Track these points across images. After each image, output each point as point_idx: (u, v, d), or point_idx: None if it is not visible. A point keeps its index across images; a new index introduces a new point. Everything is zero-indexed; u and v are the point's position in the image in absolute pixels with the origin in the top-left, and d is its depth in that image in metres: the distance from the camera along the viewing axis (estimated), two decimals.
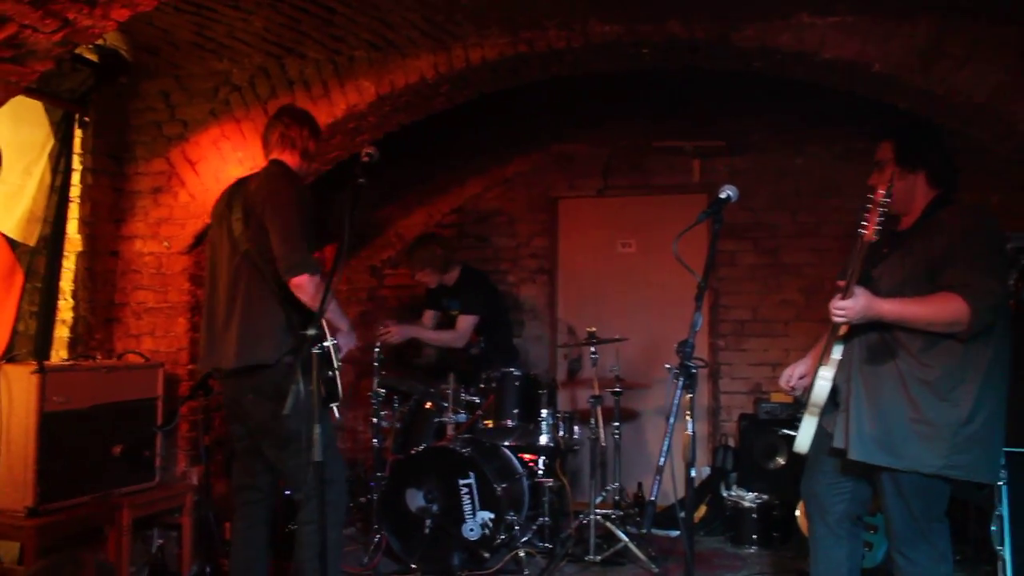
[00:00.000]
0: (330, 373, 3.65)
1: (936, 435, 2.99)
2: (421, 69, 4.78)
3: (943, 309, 2.95)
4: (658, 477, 2.66)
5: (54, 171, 4.84)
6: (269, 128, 4.01)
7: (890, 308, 3.00)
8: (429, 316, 6.21)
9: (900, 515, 3.10)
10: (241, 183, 3.95)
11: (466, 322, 5.83)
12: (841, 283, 3.04)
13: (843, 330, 3.13)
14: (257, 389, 3.64)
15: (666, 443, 2.66)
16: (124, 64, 4.99)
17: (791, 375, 3.47)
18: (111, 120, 5.10)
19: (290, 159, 3.93)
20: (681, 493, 2.88)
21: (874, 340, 3.13)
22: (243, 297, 3.69)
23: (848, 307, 2.97)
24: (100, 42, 4.73)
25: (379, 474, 5.26)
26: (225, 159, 5.03)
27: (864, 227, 2.93)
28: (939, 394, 3.01)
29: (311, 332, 3.17)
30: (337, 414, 3.70)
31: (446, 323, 6.06)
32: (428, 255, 5.92)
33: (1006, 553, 3.94)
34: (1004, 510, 3.95)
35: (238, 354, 3.65)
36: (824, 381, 3.18)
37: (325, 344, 3.60)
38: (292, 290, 3.57)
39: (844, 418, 3.17)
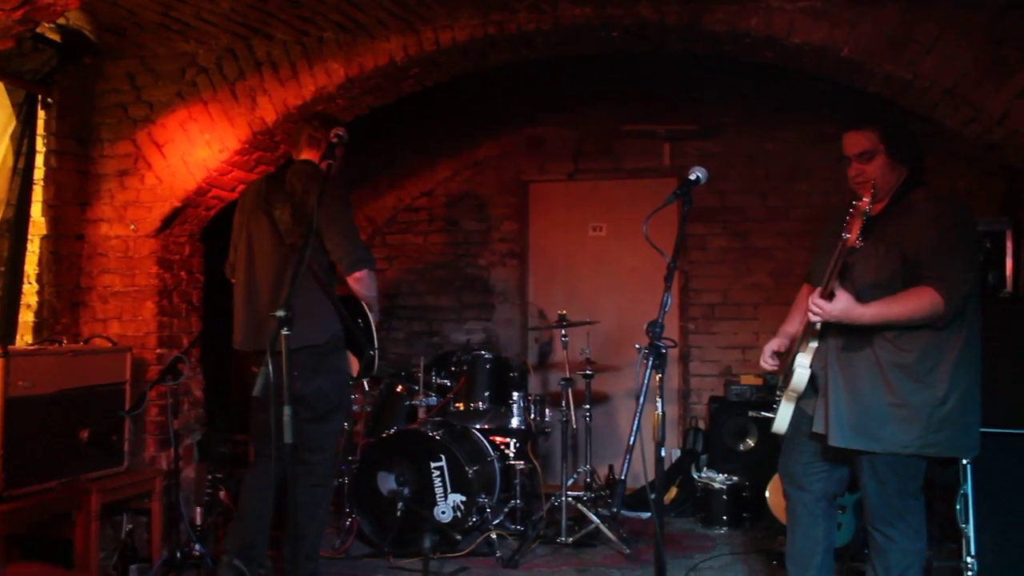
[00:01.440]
0: (371, 352, 4.10)
1: (913, 416, 3.05)
2: (391, 51, 4.75)
3: (919, 305, 3.00)
4: (628, 456, 2.68)
5: (16, 153, 4.76)
6: (298, 129, 4.20)
7: (869, 313, 3.03)
8: None
9: (877, 494, 3.16)
10: (273, 179, 4.14)
11: None
12: (807, 287, 3.07)
13: (818, 327, 3.16)
14: (303, 367, 3.80)
15: (636, 422, 2.68)
16: (88, 44, 4.92)
17: (769, 352, 3.53)
18: (75, 102, 5.03)
19: (317, 159, 4.10)
20: (651, 474, 2.90)
21: (850, 327, 3.16)
22: (286, 286, 3.81)
23: (826, 309, 3.00)
24: (63, 21, 4.65)
25: (350, 457, 5.25)
26: (192, 141, 4.98)
27: (847, 232, 2.91)
28: (915, 377, 3.07)
29: (280, 314, 3.16)
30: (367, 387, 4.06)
31: None
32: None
33: (970, 531, 4.00)
34: (968, 488, 4.01)
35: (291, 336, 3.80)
36: (803, 369, 3.23)
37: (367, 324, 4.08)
38: (351, 283, 3.90)
39: (823, 404, 3.21)
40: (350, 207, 4.03)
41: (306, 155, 4.13)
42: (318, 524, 4.05)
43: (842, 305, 2.99)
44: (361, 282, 3.90)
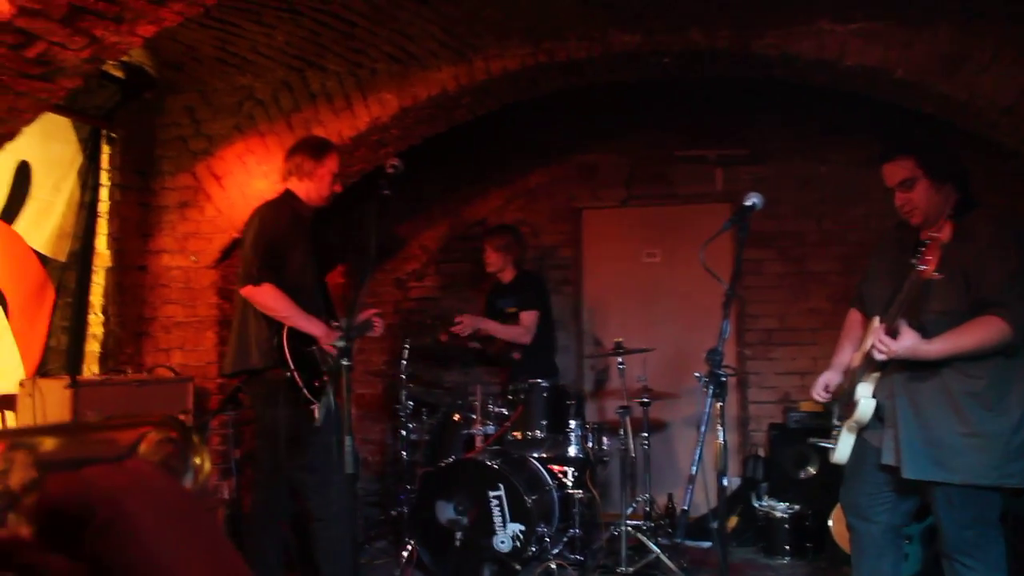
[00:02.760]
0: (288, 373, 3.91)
1: (989, 446, 2.99)
2: (442, 81, 4.80)
3: (987, 336, 2.95)
4: (690, 486, 2.66)
5: (83, 187, 4.89)
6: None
7: (936, 349, 2.97)
8: None
9: (953, 525, 3.09)
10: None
11: (530, 317, 5.86)
12: (855, 313, 2.99)
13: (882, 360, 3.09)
14: (252, 395, 4.06)
15: (698, 452, 2.65)
16: (149, 80, 5.05)
17: (824, 383, 3.45)
18: (137, 136, 5.16)
19: (296, 186, 4.20)
20: (713, 503, 2.87)
21: None
22: (238, 310, 4.13)
23: (892, 348, 2.95)
24: (126, 58, 4.78)
25: (409, 487, 5.25)
26: (250, 173, 5.07)
27: (922, 264, 2.79)
28: (987, 405, 3.01)
29: (340, 344, 3.22)
30: (317, 414, 3.92)
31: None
32: (511, 238, 6.03)
33: None
34: None
35: (232, 362, 4.12)
36: (867, 399, 3.17)
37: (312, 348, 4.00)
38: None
39: (892, 435, 3.14)
40: (266, 224, 4.04)
41: (285, 184, 4.27)
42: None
43: (908, 343, 2.93)
44: (250, 300, 3.98)
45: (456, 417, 5.60)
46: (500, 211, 7.34)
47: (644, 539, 5.17)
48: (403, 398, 5.33)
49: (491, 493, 4.85)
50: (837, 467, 3.42)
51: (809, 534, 5.52)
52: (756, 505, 5.78)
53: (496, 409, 5.35)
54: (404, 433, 5.36)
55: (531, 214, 7.30)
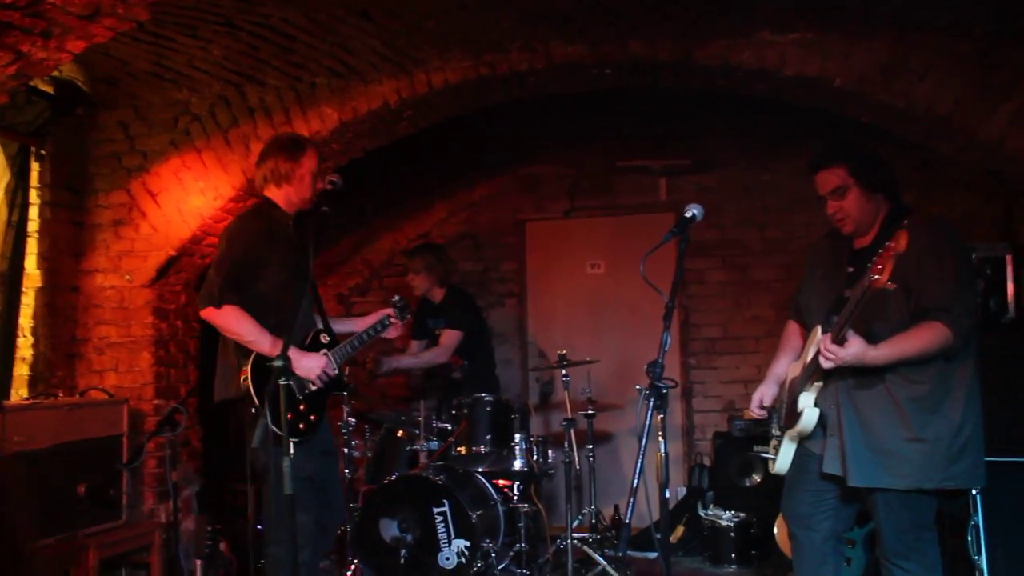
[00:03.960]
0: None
1: (933, 450, 3.05)
2: (383, 94, 4.80)
3: (931, 341, 3.00)
4: (632, 499, 2.67)
5: (11, 206, 4.80)
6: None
7: (882, 354, 3.01)
8: (415, 346, 6.14)
9: (892, 529, 3.14)
10: None
11: (450, 337, 5.77)
12: (793, 325, 3.03)
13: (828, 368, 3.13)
14: (237, 421, 3.81)
15: (638, 464, 2.67)
16: (81, 95, 4.97)
17: (760, 399, 3.49)
18: (69, 153, 5.06)
19: (274, 193, 3.87)
20: (656, 515, 2.88)
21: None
22: (220, 337, 3.81)
23: (839, 355, 2.97)
24: (56, 73, 4.70)
25: (352, 504, 5.21)
26: (187, 189, 5.01)
27: (875, 273, 2.75)
28: (930, 409, 3.07)
29: (277, 363, 3.17)
30: (291, 449, 3.48)
31: (432, 346, 5.99)
32: (432, 260, 5.89)
33: (983, 563, 3.98)
34: (979, 519, 3.99)
35: (216, 389, 3.84)
36: (811, 409, 3.20)
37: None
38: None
39: (837, 444, 3.18)
40: (234, 240, 3.74)
41: (264, 192, 3.93)
42: None
43: (855, 350, 2.97)
44: (209, 321, 3.69)
45: (399, 433, 5.57)
46: (443, 224, 7.35)
47: (590, 551, 5.19)
48: (345, 415, 5.28)
49: (435, 509, 4.83)
50: (781, 476, 3.46)
51: (755, 542, 5.58)
52: (702, 514, 5.83)
53: (440, 424, 5.34)
54: (346, 450, 5.31)
55: (474, 227, 7.31)
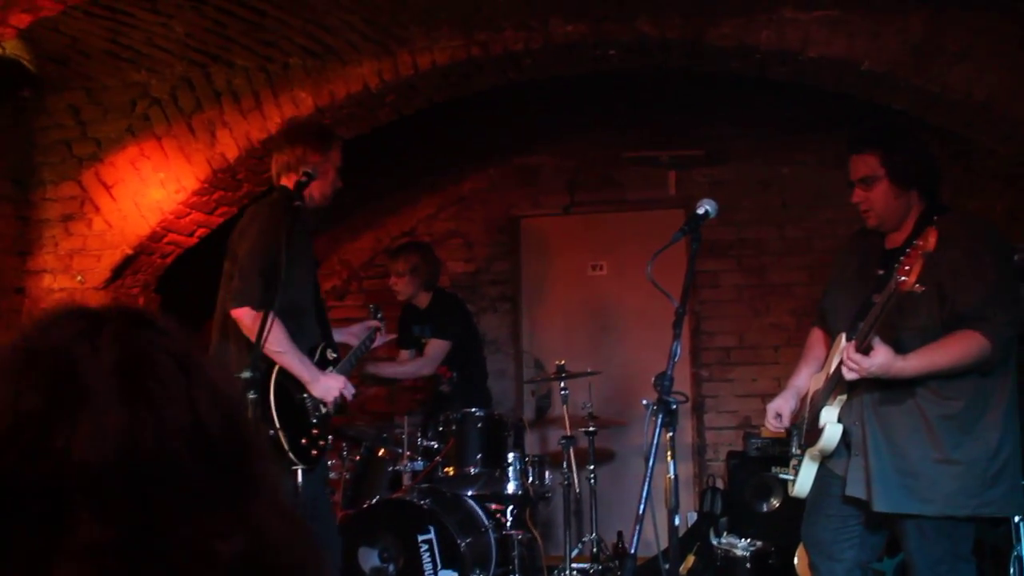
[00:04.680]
0: (271, 431, 3.52)
1: (966, 474, 3.01)
2: (364, 77, 4.78)
3: (966, 352, 2.97)
4: (638, 527, 2.64)
5: None
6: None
7: (912, 366, 2.98)
8: (404, 355, 6.10)
9: (925, 560, 3.10)
10: None
11: (436, 347, 5.73)
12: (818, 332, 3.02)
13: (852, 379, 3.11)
14: None
15: (645, 488, 2.65)
16: (27, 76, 4.92)
17: (778, 413, 3.46)
18: (12, 140, 5.04)
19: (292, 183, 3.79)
20: (665, 543, 2.86)
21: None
22: (219, 343, 3.74)
23: (864, 365, 2.93)
24: None
25: None
26: (145, 181, 4.99)
27: (903, 275, 2.73)
28: (964, 428, 3.03)
29: (245, 375, 3.13)
30: (300, 478, 3.63)
31: (418, 356, 5.94)
32: (418, 260, 5.81)
33: None
34: (1022, 549, 3.97)
35: None
36: (834, 426, 3.18)
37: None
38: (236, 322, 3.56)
39: (861, 464, 3.14)
40: (266, 233, 3.61)
41: (280, 181, 3.87)
42: None
43: (881, 360, 2.93)
44: (240, 322, 3.53)
45: (381, 452, 5.55)
46: (430, 221, 7.32)
47: None
48: None
49: (420, 537, 4.80)
50: (802, 499, 3.44)
51: (773, 573, 5.56)
52: (714, 542, 5.79)
53: (425, 443, 5.31)
54: None
55: (464, 224, 7.28)
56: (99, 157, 5.06)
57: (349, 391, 3.77)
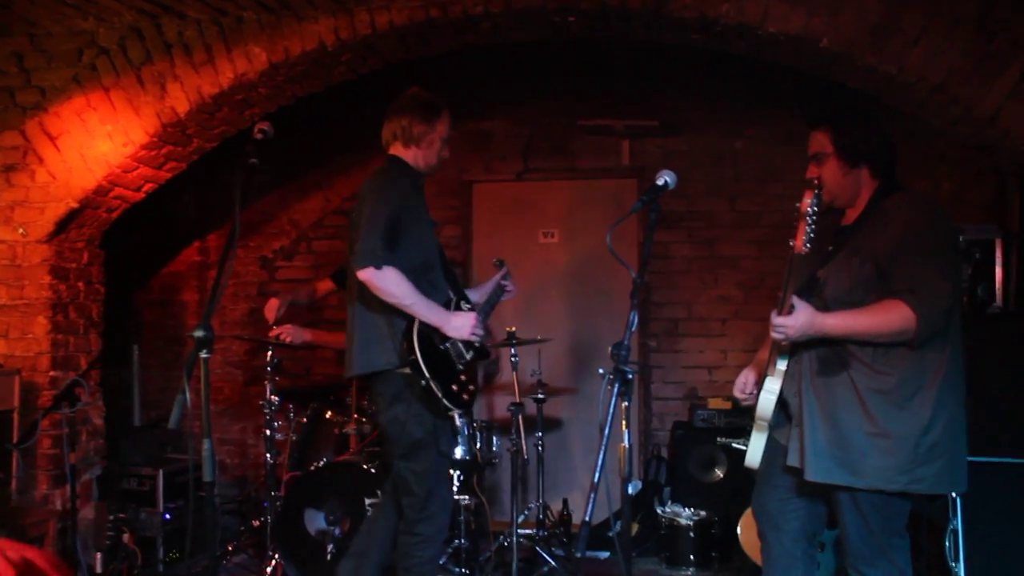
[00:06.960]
0: (423, 382, 3.77)
1: (897, 448, 3.07)
2: (320, 34, 4.73)
3: (888, 319, 3.03)
4: (593, 495, 2.68)
5: None
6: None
7: (835, 323, 3.06)
8: (325, 287, 5.70)
9: (858, 532, 3.18)
10: None
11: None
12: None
13: (785, 345, 3.19)
14: (377, 395, 3.97)
15: (601, 458, 2.68)
16: None
17: (744, 383, 3.54)
18: None
19: (401, 152, 4.10)
20: (613, 508, 2.89)
21: (824, 350, 3.19)
22: (354, 305, 3.94)
23: (788, 324, 3.01)
24: None
25: (273, 493, 5.18)
26: (92, 133, 4.91)
27: (793, 239, 2.98)
28: (896, 403, 3.09)
29: (198, 334, 3.10)
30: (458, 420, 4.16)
31: None
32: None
33: (960, 570, 4.08)
34: (958, 524, 4.09)
35: (354, 363, 3.95)
36: (770, 394, 3.25)
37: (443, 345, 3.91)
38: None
39: (798, 434, 3.22)
40: (385, 197, 3.84)
41: (391, 150, 4.14)
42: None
43: (804, 318, 3.01)
44: (367, 283, 3.73)
45: (328, 414, 5.55)
46: None
47: (538, 549, 5.23)
48: (268, 392, 5.23)
49: (367, 501, 4.82)
50: (747, 470, 3.49)
51: (716, 542, 5.66)
52: (658, 511, 5.89)
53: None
54: (268, 432, 5.26)
55: None
56: (43, 107, 4.97)
57: (479, 331, 3.99)
